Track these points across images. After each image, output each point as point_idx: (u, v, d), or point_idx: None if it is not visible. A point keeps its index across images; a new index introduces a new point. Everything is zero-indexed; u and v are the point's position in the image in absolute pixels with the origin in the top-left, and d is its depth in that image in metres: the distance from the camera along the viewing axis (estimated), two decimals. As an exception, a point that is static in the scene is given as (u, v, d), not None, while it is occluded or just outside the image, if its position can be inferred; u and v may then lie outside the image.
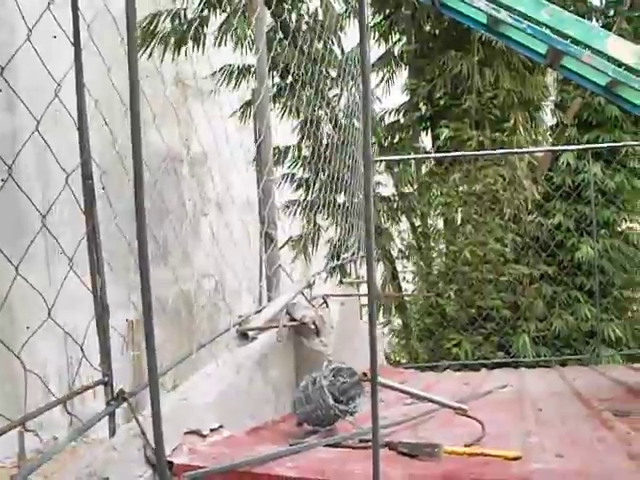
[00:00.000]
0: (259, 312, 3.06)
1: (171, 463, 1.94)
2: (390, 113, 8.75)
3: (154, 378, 1.35)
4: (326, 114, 7.52)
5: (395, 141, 8.68)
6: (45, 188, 7.52)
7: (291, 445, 2.23)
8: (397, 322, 8.40)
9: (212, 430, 2.21)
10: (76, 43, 1.89)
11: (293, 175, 8.02)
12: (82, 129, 1.84)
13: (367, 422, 2.69)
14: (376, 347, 1.74)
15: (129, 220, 2.30)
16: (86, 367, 2.04)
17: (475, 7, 3.98)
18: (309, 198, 7.67)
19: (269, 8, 6.29)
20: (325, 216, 7.44)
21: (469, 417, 2.79)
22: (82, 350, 1.83)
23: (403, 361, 7.74)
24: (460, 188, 7.65)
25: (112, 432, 1.90)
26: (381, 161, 8.00)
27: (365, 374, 2.58)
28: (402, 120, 8.67)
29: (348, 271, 6.45)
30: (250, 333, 2.83)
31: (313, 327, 3.11)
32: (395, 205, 8.52)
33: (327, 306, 3.47)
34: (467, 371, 5.96)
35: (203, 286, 9.53)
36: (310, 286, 3.52)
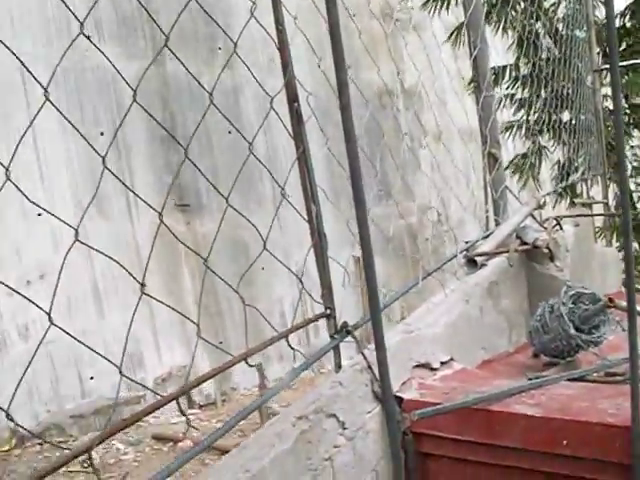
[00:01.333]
0: (487, 237, 2.84)
1: (400, 398, 1.84)
2: (615, 17, 7.76)
3: (376, 308, 1.23)
4: (544, 26, 6.85)
5: (622, 48, 7.71)
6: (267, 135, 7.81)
7: (529, 379, 2.03)
8: (635, 246, 7.59)
9: (442, 363, 2.08)
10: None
11: (512, 96, 7.48)
12: (283, 47, 1.74)
13: (613, 353, 2.40)
14: (633, 267, 1.47)
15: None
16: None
17: None
18: (531, 118, 7.12)
19: None
20: (550, 136, 6.88)
21: None
22: (301, 282, 1.78)
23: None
24: None
25: (337, 366, 1.84)
26: (607, 69, 7.13)
27: (611, 299, 2.27)
28: (628, 24, 7.67)
29: (579, 192, 5.90)
30: (478, 259, 2.63)
31: (547, 251, 2.82)
32: (626, 118, 7.62)
33: (561, 228, 3.13)
34: None
35: (426, 218, 9.40)
36: (541, 207, 3.21)
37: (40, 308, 1.18)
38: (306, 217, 1.82)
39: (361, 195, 1.44)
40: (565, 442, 1.57)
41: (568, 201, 6.54)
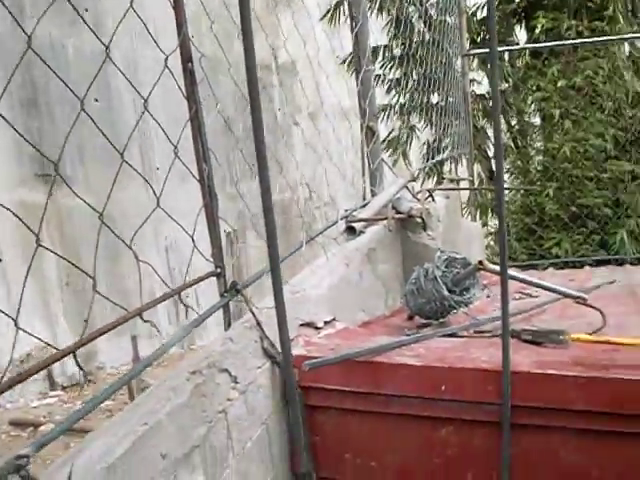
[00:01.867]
0: (364, 206, 2.95)
1: (289, 354, 1.90)
2: (482, 7, 8.20)
3: (275, 262, 1.27)
4: (417, 10, 7.12)
5: (488, 37, 8.16)
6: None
7: (407, 335, 2.15)
8: (494, 222, 8.14)
9: (326, 323, 2.16)
10: None
11: (384, 76, 7.72)
12: (178, 6, 1.72)
13: (481, 314, 2.60)
14: (505, 234, 1.61)
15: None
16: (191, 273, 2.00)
17: None
18: (402, 100, 7.39)
19: None
20: (420, 117, 7.18)
21: (590, 306, 2.62)
22: (193, 240, 1.78)
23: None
24: (559, 83, 7.15)
25: (227, 324, 1.87)
26: (474, 55, 7.55)
27: (481, 262, 2.45)
28: (496, 14, 8.12)
29: (446, 170, 6.23)
30: (357, 226, 2.73)
31: (420, 220, 2.98)
32: (490, 103, 8.10)
33: (433, 200, 3.31)
34: (568, 269, 5.72)
35: (299, 195, 9.51)
36: (414, 180, 3.37)
37: None
38: (197, 177, 1.82)
39: (264, 162, 1.47)
40: (443, 387, 1.70)
41: (436, 178, 6.89)
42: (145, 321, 1.56)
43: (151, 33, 1.85)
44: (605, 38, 6.78)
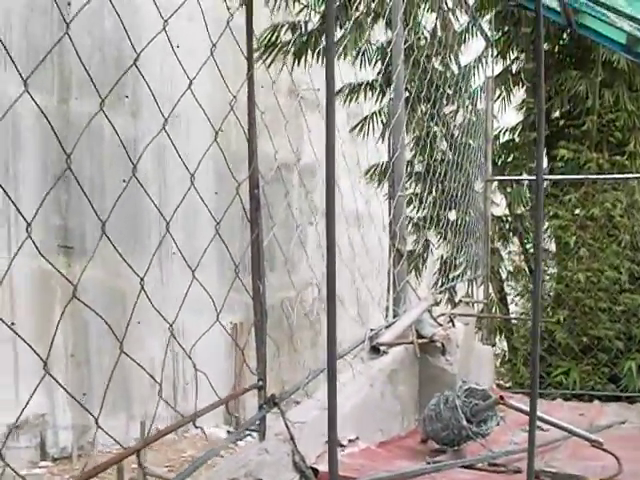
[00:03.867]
0: (389, 327, 3.07)
1: (316, 470, 1.98)
2: (505, 132, 8.60)
3: (333, 383, 1.38)
4: (441, 131, 7.48)
5: (509, 160, 8.52)
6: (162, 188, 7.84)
7: (428, 463, 2.23)
8: (502, 345, 8.19)
9: (350, 441, 2.24)
10: (249, 57, 1.96)
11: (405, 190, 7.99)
12: (251, 139, 1.91)
13: (494, 444, 2.67)
14: (537, 372, 1.72)
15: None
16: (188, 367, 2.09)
17: (617, 27, 3.87)
18: (420, 214, 7.64)
19: (387, 25, 6.33)
20: (436, 232, 7.39)
21: (606, 451, 2.68)
22: (242, 354, 1.90)
23: (506, 386, 7.53)
24: (576, 211, 7.40)
25: (262, 435, 1.95)
26: (497, 180, 7.84)
27: (502, 397, 2.54)
28: (517, 139, 8.49)
29: (457, 289, 6.37)
30: (382, 348, 2.84)
31: (440, 345, 3.09)
32: (507, 226, 8.36)
33: (453, 325, 3.44)
34: (576, 401, 5.73)
35: (306, 294, 9.63)
36: (437, 304, 3.50)
37: None
38: (251, 294, 1.95)
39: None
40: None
41: (447, 296, 7.01)
42: (197, 427, 1.66)
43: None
44: (627, 176, 7.08)
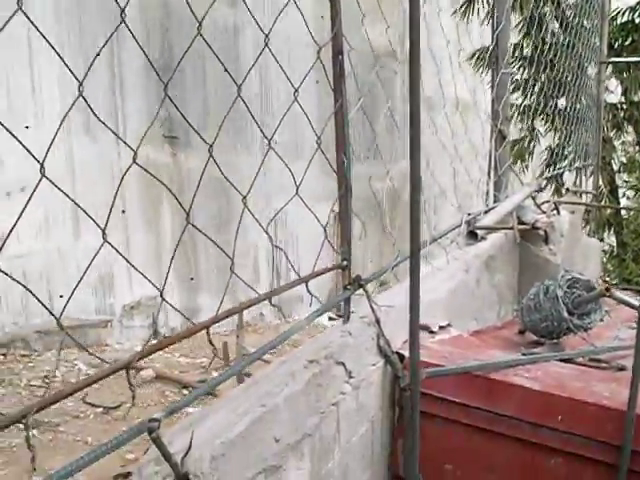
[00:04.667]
0: (488, 212, 2.89)
1: (402, 356, 1.90)
2: (624, 12, 7.78)
3: (416, 251, 1.27)
4: (552, 10, 6.84)
5: (627, 43, 7.75)
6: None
7: (524, 355, 2.11)
8: (610, 240, 7.76)
9: (441, 327, 2.14)
10: None
11: (511, 75, 7.48)
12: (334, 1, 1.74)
13: (598, 340, 2.50)
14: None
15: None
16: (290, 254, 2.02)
17: None
18: (527, 102, 7.15)
19: None
20: (544, 121, 6.93)
21: None
22: (325, 232, 1.81)
23: (613, 282, 7.19)
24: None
25: (347, 317, 1.88)
26: (612, 63, 7.17)
27: (608, 289, 2.35)
28: (637, 20, 7.68)
29: (565, 179, 6.00)
30: (479, 232, 2.68)
31: (543, 233, 2.89)
32: (622, 114, 7.71)
33: (558, 213, 3.20)
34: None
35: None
36: (541, 189, 3.27)
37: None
38: (335, 169, 1.84)
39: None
40: (560, 417, 1.65)
41: (553, 187, 6.65)
42: (273, 306, 1.61)
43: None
44: None
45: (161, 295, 1.36)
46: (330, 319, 6.72)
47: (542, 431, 1.67)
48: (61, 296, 6.74)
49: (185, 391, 6.12)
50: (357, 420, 1.74)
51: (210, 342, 1.44)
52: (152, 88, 7.22)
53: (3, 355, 6.23)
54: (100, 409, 5.54)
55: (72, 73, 1.21)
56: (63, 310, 1.39)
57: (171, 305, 1.38)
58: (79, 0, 6.64)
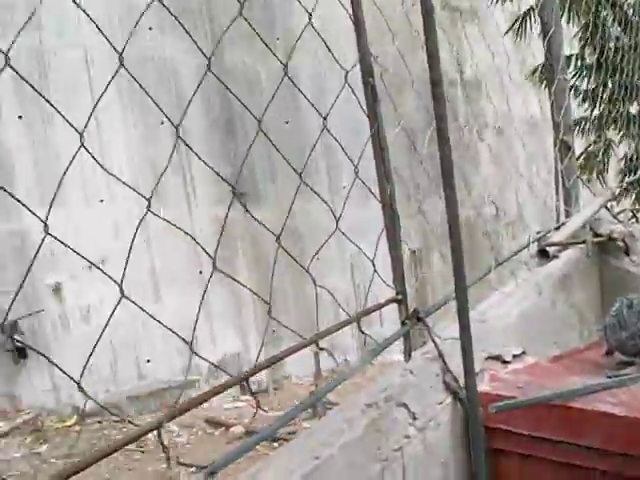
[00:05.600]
0: (558, 228, 2.72)
1: (472, 390, 1.77)
2: None
3: (463, 289, 1.17)
4: (612, 14, 6.60)
5: None
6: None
7: (609, 377, 1.92)
8: None
9: (515, 356, 1.99)
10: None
11: (576, 87, 7.22)
12: (358, 18, 1.68)
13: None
14: None
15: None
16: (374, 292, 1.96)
17: None
18: (596, 112, 6.87)
19: None
20: (617, 129, 6.63)
21: None
22: (373, 265, 1.72)
23: None
24: None
25: (407, 354, 1.78)
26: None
27: (699, 297, 2.13)
28: None
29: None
30: (550, 250, 2.52)
31: (622, 244, 2.68)
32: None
33: (637, 221, 2.99)
34: None
35: (483, 213, 9.20)
36: (615, 198, 3.06)
37: (116, 283, 1.15)
38: (379, 198, 1.76)
39: (451, 180, 1.37)
40: (654, 445, 1.48)
41: (633, 197, 6.30)
42: (321, 349, 1.52)
43: (333, 53, 1.83)
44: None
45: (190, 348, 1.30)
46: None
47: (633, 462, 1.49)
48: (148, 361, 6.87)
49: (276, 444, 6.06)
50: (427, 465, 1.61)
51: (250, 391, 1.38)
52: (216, 147, 7.39)
53: (99, 422, 6.37)
54: (192, 468, 5.55)
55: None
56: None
57: (201, 357, 1.32)
58: (139, 67, 6.92)
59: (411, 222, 6.45)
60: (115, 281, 1.19)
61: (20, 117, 6.69)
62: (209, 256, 1.40)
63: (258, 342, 7.61)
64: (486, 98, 8.29)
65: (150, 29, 6.84)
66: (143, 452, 5.78)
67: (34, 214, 1.11)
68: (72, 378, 1.12)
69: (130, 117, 6.89)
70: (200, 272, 7.28)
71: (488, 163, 8.41)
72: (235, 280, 1.64)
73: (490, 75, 6.49)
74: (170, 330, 1.37)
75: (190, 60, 6.86)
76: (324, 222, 1.74)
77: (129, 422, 6.03)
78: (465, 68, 7.89)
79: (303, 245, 7.35)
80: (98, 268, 1.27)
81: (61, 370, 1.23)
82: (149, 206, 1.20)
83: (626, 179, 6.18)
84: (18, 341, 6.32)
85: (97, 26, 1.19)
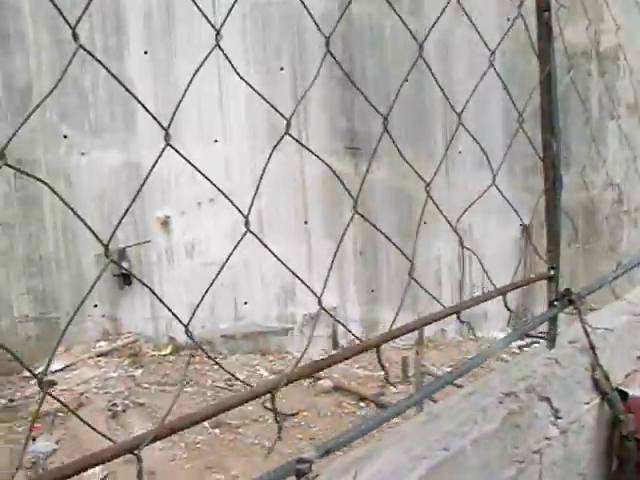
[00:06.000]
0: None
1: (624, 393, 1.50)
2: None
3: None
4: None
5: None
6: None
7: None
8: None
9: (674, 358, 1.70)
10: None
11: None
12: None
13: None
14: None
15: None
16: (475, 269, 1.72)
17: None
18: None
19: None
20: None
21: None
22: (527, 230, 1.46)
23: None
24: None
25: (552, 340, 1.53)
26: None
27: None
28: None
29: None
30: None
31: None
32: None
33: None
34: None
35: (605, 196, 8.56)
36: None
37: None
38: (541, 154, 1.49)
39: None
40: None
41: None
42: (462, 322, 1.30)
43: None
44: None
45: (319, 304, 1.12)
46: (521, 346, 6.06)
47: None
48: (245, 303, 6.88)
49: (362, 404, 5.93)
50: (564, 474, 1.37)
51: (380, 363, 1.18)
52: (335, 100, 7.17)
53: (193, 356, 6.47)
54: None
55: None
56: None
57: (336, 319, 1.13)
58: (264, 18, 6.79)
59: (529, 197, 6.04)
60: (242, 212, 1.02)
61: (145, 52, 6.73)
62: (351, 196, 1.19)
63: (355, 299, 7.46)
64: (622, 74, 7.60)
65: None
66: (232, 391, 5.81)
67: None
68: (171, 310, 1.01)
69: (251, 59, 6.78)
70: (305, 222, 7.16)
71: (616, 144, 7.75)
72: (373, 225, 1.44)
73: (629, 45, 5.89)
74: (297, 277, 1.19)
75: (317, 4, 6.63)
76: (436, 188, 1.51)
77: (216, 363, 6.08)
78: (602, 39, 7.24)
79: (412, 208, 7.06)
80: (225, 196, 1.09)
81: (162, 302, 1.12)
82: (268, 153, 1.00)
83: None
84: (124, 268, 6.47)
85: None
